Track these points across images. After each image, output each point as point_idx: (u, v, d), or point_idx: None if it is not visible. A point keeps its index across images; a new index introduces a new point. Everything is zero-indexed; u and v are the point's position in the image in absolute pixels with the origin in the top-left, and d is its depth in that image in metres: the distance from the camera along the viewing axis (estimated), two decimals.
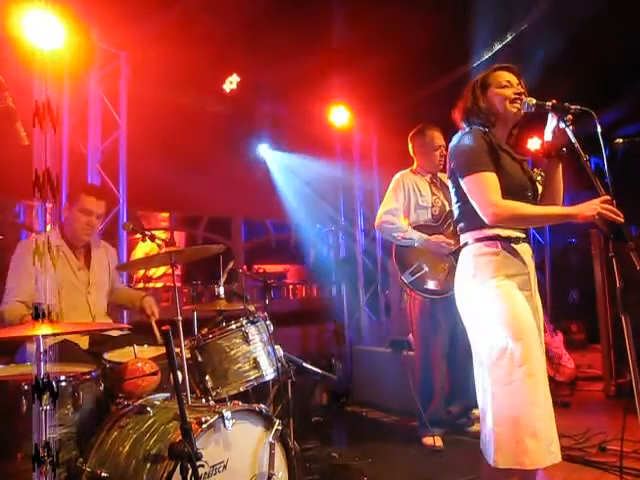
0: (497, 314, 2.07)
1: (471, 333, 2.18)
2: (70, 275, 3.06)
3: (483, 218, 2.08)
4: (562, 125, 2.10)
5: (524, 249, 2.16)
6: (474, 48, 4.49)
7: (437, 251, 3.74)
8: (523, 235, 2.18)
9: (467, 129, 2.24)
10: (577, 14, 4.25)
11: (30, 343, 2.77)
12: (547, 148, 2.23)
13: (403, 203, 3.89)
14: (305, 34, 4.37)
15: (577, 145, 2.06)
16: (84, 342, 2.95)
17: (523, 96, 2.22)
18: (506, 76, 2.26)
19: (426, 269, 3.78)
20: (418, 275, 3.78)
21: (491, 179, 2.08)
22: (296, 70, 4.64)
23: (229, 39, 4.26)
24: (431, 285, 3.77)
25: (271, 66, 4.67)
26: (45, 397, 1.77)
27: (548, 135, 2.20)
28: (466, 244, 2.22)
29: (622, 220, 1.93)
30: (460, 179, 2.16)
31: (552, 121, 2.16)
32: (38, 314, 1.84)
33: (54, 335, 1.88)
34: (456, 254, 3.67)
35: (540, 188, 2.31)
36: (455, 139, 2.27)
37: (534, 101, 2.16)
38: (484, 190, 2.07)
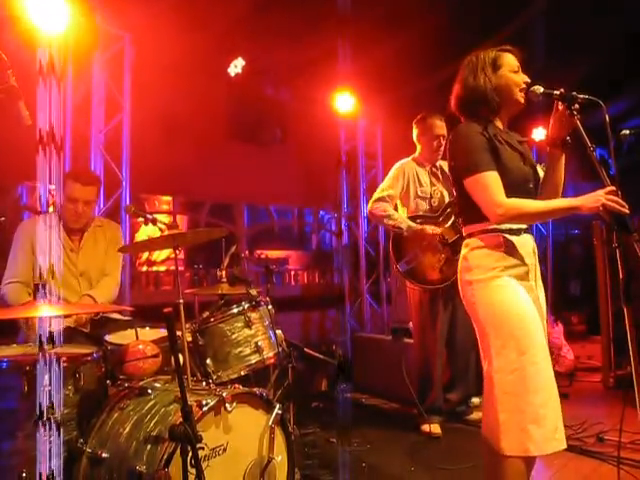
0: (499, 304, 2.08)
1: (475, 323, 2.19)
2: (63, 256, 3.09)
3: (489, 218, 2.08)
4: (569, 115, 2.08)
5: (525, 240, 2.15)
6: (481, 36, 4.45)
7: (424, 240, 3.74)
8: (524, 226, 2.18)
9: (464, 124, 2.20)
10: (584, 4, 4.23)
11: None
12: (552, 137, 2.21)
13: (400, 190, 3.88)
14: (311, 20, 4.34)
15: (584, 135, 2.04)
16: (86, 325, 2.96)
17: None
18: (515, 61, 2.23)
19: (422, 259, 3.78)
20: (413, 265, 3.78)
21: (493, 178, 2.06)
22: (302, 55, 4.62)
23: (235, 22, 4.22)
24: (427, 275, 3.77)
25: (277, 51, 4.64)
26: (46, 377, 1.79)
27: (554, 124, 2.18)
28: (467, 237, 2.22)
29: (627, 211, 1.91)
30: (461, 178, 2.14)
31: (559, 110, 2.14)
32: (39, 293, 1.85)
33: (55, 316, 1.89)
34: (453, 245, 3.70)
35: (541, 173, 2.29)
36: (452, 136, 2.24)
37: (542, 89, 2.13)
38: (487, 191, 2.05)
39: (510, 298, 2.07)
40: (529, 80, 2.20)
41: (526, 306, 2.07)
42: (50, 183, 3.07)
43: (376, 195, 3.90)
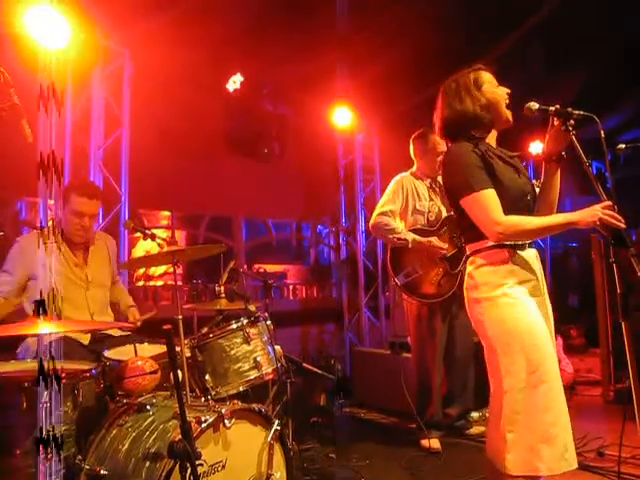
0: (509, 321, 2.05)
1: (485, 341, 2.16)
2: (67, 271, 3.06)
3: (488, 237, 2.08)
4: (565, 130, 2.10)
5: (530, 254, 2.15)
6: (479, 51, 4.50)
7: (430, 254, 3.75)
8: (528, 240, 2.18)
9: (455, 144, 2.20)
10: (579, 17, 4.27)
11: (31, 337, 2.79)
12: (548, 153, 2.22)
13: (400, 205, 3.89)
14: (310, 35, 4.38)
15: (579, 150, 2.06)
16: (85, 338, 2.96)
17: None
18: (492, 76, 2.24)
19: (420, 272, 3.78)
20: (411, 278, 3.79)
21: (490, 196, 2.06)
22: (300, 70, 4.65)
23: (233, 38, 4.26)
24: (425, 289, 3.78)
25: (275, 66, 4.67)
26: (45, 394, 1.78)
27: (550, 140, 2.19)
28: (471, 254, 2.21)
29: (623, 226, 1.92)
30: (459, 199, 2.14)
31: (554, 126, 2.15)
32: (39, 310, 1.85)
33: (55, 333, 1.89)
34: (451, 260, 3.71)
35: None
36: (445, 158, 2.24)
37: (537, 106, 2.15)
38: (485, 210, 2.05)
39: (520, 315, 2.05)
40: (509, 90, 2.23)
41: (537, 322, 2.05)
42: (50, 198, 3.07)
43: (378, 210, 3.91)
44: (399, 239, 3.78)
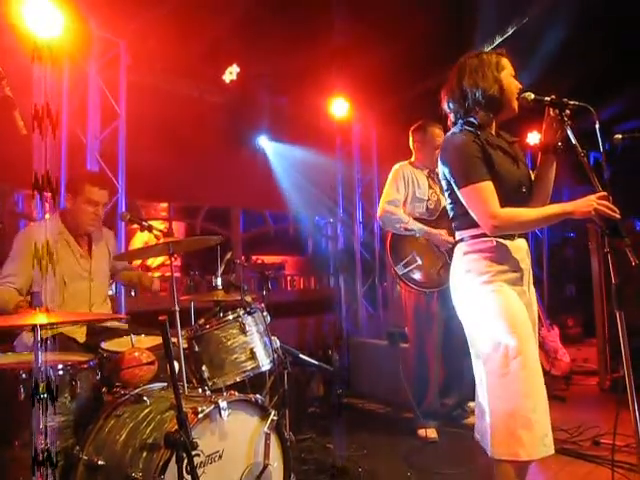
0: (490, 309, 2.09)
1: (466, 327, 2.21)
2: (73, 263, 3.06)
3: (484, 229, 2.09)
4: (560, 121, 2.10)
5: (518, 244, 2.17)
6: (476, 43, 4.48)
7: (437, 244, 3.77)
8: None
9: (458, 129, 2.20)
10: (576, 10, 4.26)
11: (26, 332, 2.79)
12: (544, 143, 2.22)
13: (403, 194, 3.90)
14: (306, 25, 4.36)
15: (575, 141, 2.06)
16: (81, 335, 2.95)
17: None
18: (510, 65, 2.24)
19: (420, 262, 3.80)
20: (411, 267, 3.80)
21: (488, 189, 2.07)
22: (296, 61, 4.63)
23: (230, 29, 4.24)
24: (424, 278, 3.79)
25: (271, 57, 4.65)
26: (43, 385, 1.79)
27: (546, 130, 2.19)
28: (460, 241, 2.24)
29: (618, 216, 1.93)
30: (456, 188, 2.15)
31: (550, 116, 2.16)
32: (35, 302, 1.86)
33: (50, 325, 1.89)
34: (451, 249, 3.71)
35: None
36: (445, 145, 2.24)
37: (533, 96, 2.15)
38: (482, 202, 2.06)
39: (502, 303, 2.08)
40: (521, 87, 2.22)
41: (518, 311, 2.09)
42: (45, 190, 3.05)
43: (384, 200, 3.92)
44: (406, 228, 3.79)
